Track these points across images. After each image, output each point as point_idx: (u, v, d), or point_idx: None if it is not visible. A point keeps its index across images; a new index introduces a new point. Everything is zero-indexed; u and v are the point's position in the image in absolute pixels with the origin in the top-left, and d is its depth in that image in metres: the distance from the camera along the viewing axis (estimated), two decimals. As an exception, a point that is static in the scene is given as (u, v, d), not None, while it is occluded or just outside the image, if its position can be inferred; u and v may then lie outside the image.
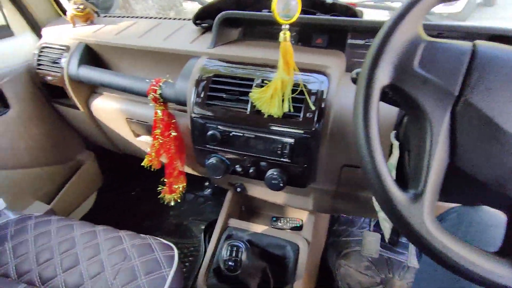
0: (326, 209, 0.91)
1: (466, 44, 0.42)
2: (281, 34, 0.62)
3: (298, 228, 1.08)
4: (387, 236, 0.71)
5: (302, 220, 1.10)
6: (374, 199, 0.71)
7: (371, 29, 0.74)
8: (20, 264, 0.80)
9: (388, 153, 0.66)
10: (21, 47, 1.08)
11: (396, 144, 0.61)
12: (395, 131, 0.65)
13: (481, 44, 0.42)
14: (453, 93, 0.40)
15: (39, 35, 1.13)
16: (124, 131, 1.06)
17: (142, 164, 0.94)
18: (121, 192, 1.63)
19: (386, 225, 0.69)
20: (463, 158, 0.42)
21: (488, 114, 0.39)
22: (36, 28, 1.12)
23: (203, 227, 1.45)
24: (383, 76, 0.42)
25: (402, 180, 0.45)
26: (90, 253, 0.81)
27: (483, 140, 0.40)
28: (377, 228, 1.32)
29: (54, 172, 1.24)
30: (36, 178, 1.18)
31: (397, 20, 0.40)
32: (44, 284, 0.77)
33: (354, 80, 0.53)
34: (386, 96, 0.55)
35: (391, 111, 0.65)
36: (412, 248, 1.07)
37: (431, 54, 0.42)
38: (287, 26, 0.61)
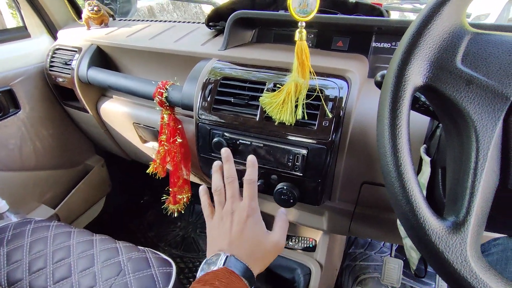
0: (342, 231, 0.82)
1: (524, 37, 0.34)
2: (297, 32, 0.55)
3: (311, 249, 0.99)
4: (413, 267, 0.61)
5: (315, 240, 1.00)
6: (399, 224, 0.62)
7: (399, 31, 0.66)
8: (12, 272, 0.76)
9: (417, 171, 0.57)
10: (36, 49, 1.08)
11: (427, 160, 0.52)
12: (425, 145, 0.56)
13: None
14: (506, 96, 0.32)
15: (55, 38, 1.12)
16: (131, 136, 1.02)
17: (147, 171, 0.89)
18: (129, 199, 1.60)
19: (413, 255, 0.60)
20: None
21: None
22: (52, 30, 1.12)
23: (210, 241, 1.38)
24: (417, 75, 0.34)
25: (434, 204, 0.37)
26: (84, 264, 0.76)
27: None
28: (400, 253, 1.19)
29: (61, 176, 1.22)
30: (42, 182, 1.16)
31: (436, 7, 0.33)
32: (33, 296, 0.72)
33: (379, 84, 0.46)
34: (416, 103, 0.47)
35: (420, 121, 0.57)
36: (441, 280, 0.95)
37: (478, 48, 0.34)
38: (304, 24, 0.55)
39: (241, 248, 0.47)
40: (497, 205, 0.34)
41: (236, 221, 0.50)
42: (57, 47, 1.02)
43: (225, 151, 0.56)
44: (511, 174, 0.33)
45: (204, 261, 0.48)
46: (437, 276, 0.98)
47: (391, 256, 1.08)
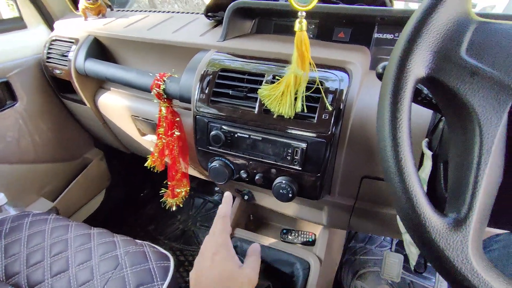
0: (342, 226, 0.81)
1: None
2: (297, 22, 0.53)
3: (310, 243, 0.98)
4: (413, 263, 0.60)
5: (315, 235, 1.00)
6: (399, 219, 0.61)
7: (402, 21, 0.64)
8: (10, 265, 0.76)
9: (418, 165, 0.56)
10: (33, 40, 1.06)
11: (428, 154, 0.51)
12: (427, 139, 0.55)
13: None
14: (512, 88, 0.30)
15: (52, 28, 1.11)
16: (129, 129, 1.01)
17: (146, 165, 0.88)
18: (129, 193, 1.59)
19: (413, 250, 0.59)
20: None
21: None
22: (49, 21, 1.11)
23: (210, 234, 1.38)
24: (419, 66, 0.33)
25: (435, 200, 0.36)
26: (81, 257, 0.76)
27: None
28: (400, 248, 1.19)
29: (60, 169, 1.21)
30: (41, 175, 1.15)
31: None
32: (30, 289, 0.72)
33: (380, 76, 0.44)
34: (418, 95, 0.46)
35: (422, 114, 0.56)
36: (440, 275, 0.94)
37: (484, 38, 0.32)
38: (304, 14, 0.53)
39: None
40: (501, 201, 0.33)
41: (206, 259, 0.47)
42: (54, 38, 1.01)
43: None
44: None
45: None
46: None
47: (391, 250, 1.07)
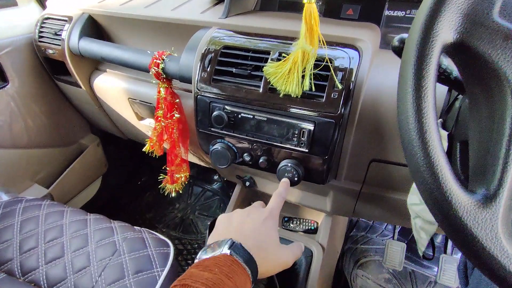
0: (347, 212, 0.79)
1: None
2: (305, -7, 0.50)
3: (312, 231, 0.96)
4: (422, 249, 0.58)
5: (317, 223, 0.98)
6: (409, 204, 0.59)
7: (415, -4, 0.61)
8: (2, 252, 0.73)
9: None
10: (24, 18, 1.01)
11: (444, 134, 0.48)
12: (441, 120, 0.53)
13: None
14: (550, 53, 0.28)
15: (43, 6, 1.06)
16: (127, 113, 0.98)
17: (144, 150, 0.85)
18: (127, 180, 1.56)
19: (423, 235, 0.57)
20: None
21: None
22: (41, -2, 1.06)
23: (209, 223, 1.35)
24: (447, 30, 0.30)
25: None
26: (77, 244, 0.73)
27: None
28: (402, 236, 1.18)
29: (55, 155, 1.17)
30: (35, 160, 1.11)
31: None
32: (24, 276, 0.69)
33: (396, 49, 0.41)
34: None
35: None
36: (444, 263, 0.93)
37: (520, -1, 0.30)
38: (313, -16, 0.50)
39: (249, 239, 0.43)
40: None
41: (253, 217, 0.47)
42: (46, 16, 0.96)
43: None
44: None
45: (207, 244, 0.43)
46: (441, 260, 0.96)
47: (393, 239, 1.05)
